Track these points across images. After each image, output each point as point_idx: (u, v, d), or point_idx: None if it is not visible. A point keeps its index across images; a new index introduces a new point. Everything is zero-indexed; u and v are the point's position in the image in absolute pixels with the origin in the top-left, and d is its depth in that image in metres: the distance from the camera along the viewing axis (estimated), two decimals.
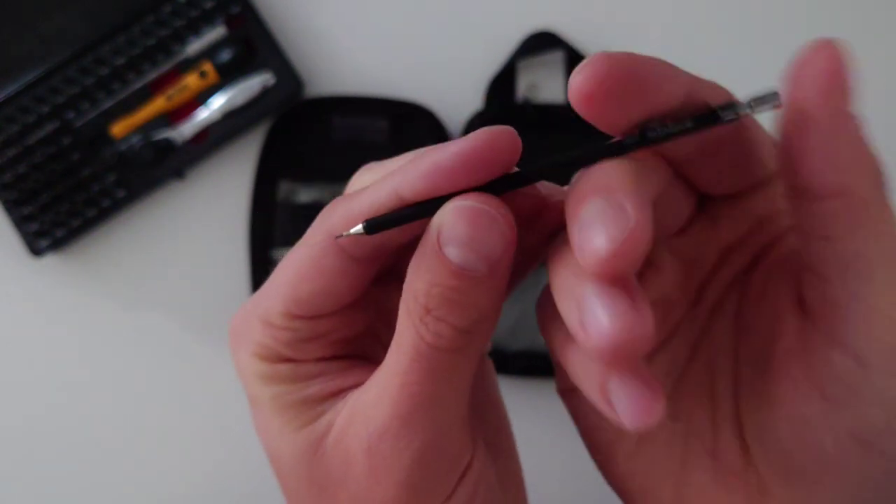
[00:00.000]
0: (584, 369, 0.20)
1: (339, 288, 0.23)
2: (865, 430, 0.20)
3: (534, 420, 0.59)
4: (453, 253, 0.20)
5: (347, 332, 0.24)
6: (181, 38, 0.57)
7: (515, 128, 0.62)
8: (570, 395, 0.26)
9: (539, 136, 0.58)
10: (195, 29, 0.57)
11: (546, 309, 0.23)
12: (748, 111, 0.20)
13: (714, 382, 0.23)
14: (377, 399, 0.22)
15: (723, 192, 0.23)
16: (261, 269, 0.57)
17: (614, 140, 0.21)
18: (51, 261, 0.59)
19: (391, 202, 0.21)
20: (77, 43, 0.57)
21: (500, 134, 0.20)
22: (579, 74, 0.19)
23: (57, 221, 0.57)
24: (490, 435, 0.26)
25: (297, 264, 0.23)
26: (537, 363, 0.57)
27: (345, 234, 0.21)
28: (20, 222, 0.57)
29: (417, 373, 0.21)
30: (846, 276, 0.19)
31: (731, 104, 0.20)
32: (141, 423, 0.59)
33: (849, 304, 0.19)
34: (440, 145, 0.21)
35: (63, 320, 0.59)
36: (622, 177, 0.19)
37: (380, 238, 0.21)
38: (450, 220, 0.20)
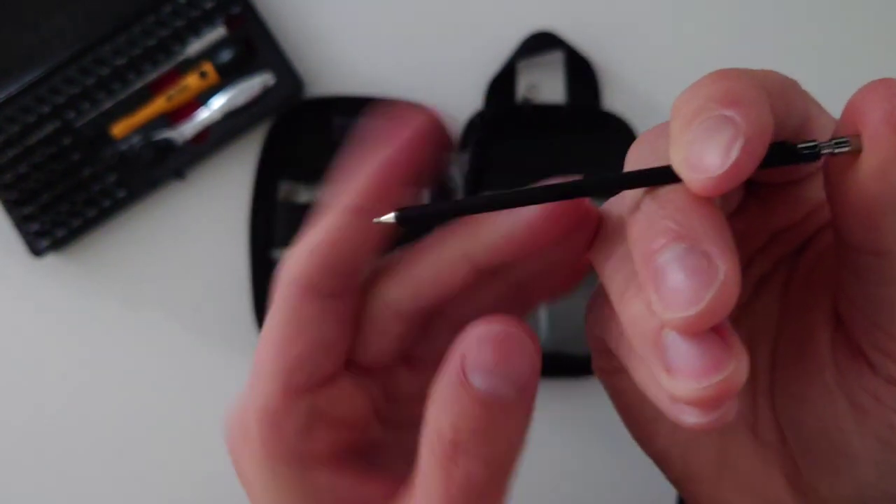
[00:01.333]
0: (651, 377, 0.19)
1: (328, 337, 0.21)
2: (891, 434, 0.20)
3: (534, 419, 0.59)
4: (480, 381, 0.18)
5: (351, 409, 0.22)
6: (181, 38, 0.58)
7: (515, 128, 0.62)
8: (610, 375, 0.25)
9: (539, 136, 0.58)
10: (195, 29, 0.58)
11: (599, 310, 0.23)
12: (829, 152, 0.18)
13: (754, 354, 0.23)
14: None
15: (778, 181, 0.22)
16: (261, 269, 0.57)
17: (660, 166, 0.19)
18: (51, 261, 0.59)
19: (350, 218, 0.21)
20: (77, 43, 0.57)
21: (425, 121, 0.20)
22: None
23: (57, 221, 0.57)
24: None
25: (277, 331, 0.21)
26: None
27: (378, 219, 0.20)
28: (21, 222, 0.57)
29: None
30: (876, 308, 0.19)
31: (813, 144, 0.19)
32: (142, 422, 0.59)
33: (877, 329, 0.19)
34: (371, 149, 0.20)
35: (64, 320, 0.59)
36: (706, 216, 0.17)
37: (342, 263, 0.20)
38: (474, 346, 0.18)
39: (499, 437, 0.19)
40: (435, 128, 0.20)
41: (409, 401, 0.22)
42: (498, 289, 0.23)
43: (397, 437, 0.22)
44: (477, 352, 0.18)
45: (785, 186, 0.22)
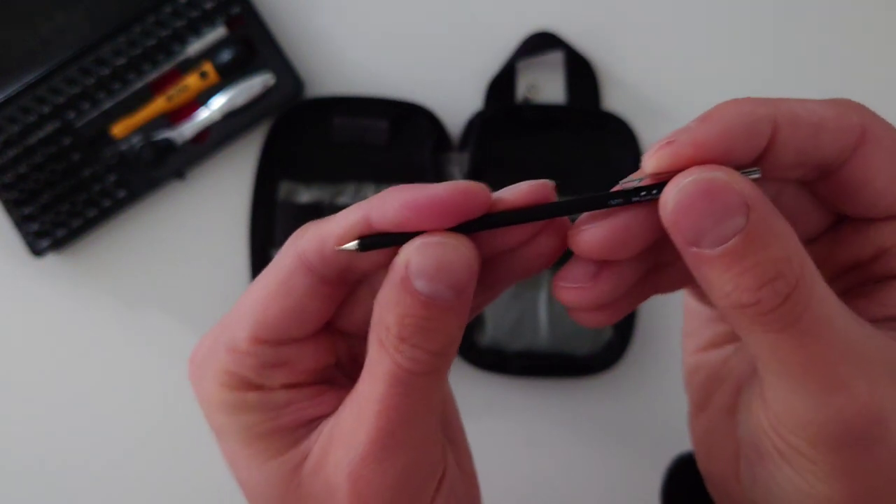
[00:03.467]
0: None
1: (307, 310, 0.23)
2: None
3: (533, 418, 0.60)
4: (422, 285, 0.21)
5: (314, 362, 0.24)
6: (182, 38, 0.58)
7: (515, 128, 0.63)
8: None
9: (538, 135, 0.58)
10: (195, 29, 0.58)
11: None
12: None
13: None
14: (355, 426, 0.22)
15: (850, 213, 0.23)
16: (261, 268, 0.57)
17: (596, 195, 0.22)
18: (51, 261, 0.59)
19: (360, 227, 0.22)
20: (78, 43, 0.57)
21: (474, 189, 0.22)
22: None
23: (57, 221, 0.57)
24: (449, 433, 0.27)
25: (266, 286, 0.23)
26: (537, 363, 0.57)
27: (339, 248, 0.22)
28: (21, 222, 0.57)
29: (394, 397, 0.22)
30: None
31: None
32: (142, 421, 0.59)
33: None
34: (416, 185, 0.22)
35: (64, 320, 0.60)
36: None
37: (346, 260, 0.22)
38: (417, 254, 0.21)
39: (440, 332, 0.21)
40: (474, 205, 0.22)
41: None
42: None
43: (351, 369, 0.25)
44: (419, 258, 0.21)
45: (860, 224, 0.23)
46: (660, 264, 0.24)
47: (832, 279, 0.24)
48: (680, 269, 0.23)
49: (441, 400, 0.23)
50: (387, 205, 0.22)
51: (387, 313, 0.21)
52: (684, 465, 0.33)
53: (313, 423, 0.24)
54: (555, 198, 0.23)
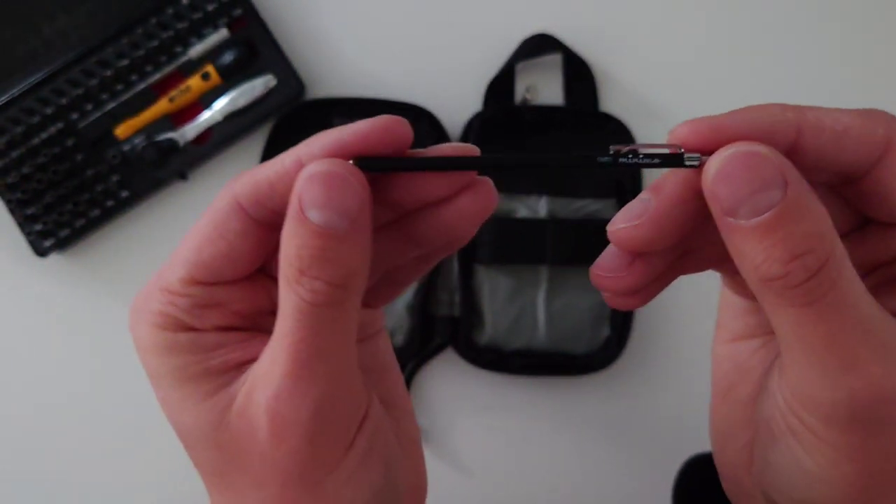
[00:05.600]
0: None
1: (240, 252, 0.24)
2: None
3: (532, 417, 0.60)
4: (315, 215, 0.21)
5: (247, 305, 0.25)
6: (184, 40, 0.58)
7: (514, 129, 0.64)
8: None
9: (536, 137, 0.58)
10: (198, 32, 0.58)
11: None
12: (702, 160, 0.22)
13: None
14: (270, 364, 0.23)
15: (874, 217, 0.24)
16: None
17: (584, 155, 0.23)
18: (55, 261, 0.59)
19: (294, 168, 0.23)
20: (81, 45, 0.58)
21: (395, 122, 0.23)
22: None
23: (61, 222, 0.58)
24: (385, 394, 0.27)
25: (201, 229, 0.24)
26: (535, 361, 0.57)
27: (351, 161, 0.22)
28: (25, 222, 0.57)
29: (301, 331, 0.22)
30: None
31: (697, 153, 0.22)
32: (145, 420, 0.59)
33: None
34: (342, 126, 0.23)
35: (67, 320, 0.60)
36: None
37: (280, 202, 0.23)
38: (307, 186, 0.22)
39: (338, 261, 0.22)
40: (391, 129, 0.23)
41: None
42: (394, 242, 0.25)
43: None
44: (309, 190, 0.21)
45: (885, 227, 0.24)
46: (689, 249, 0.25)
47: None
48: (707, 253, 0.25)
49: (353, 337, 0.23)
50: (313, 147, 0.23)
51: (287, 247, 0.22)
52: (696, 466, 0.34)
53: (242, 366, 0.24)
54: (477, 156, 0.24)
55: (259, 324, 0.25)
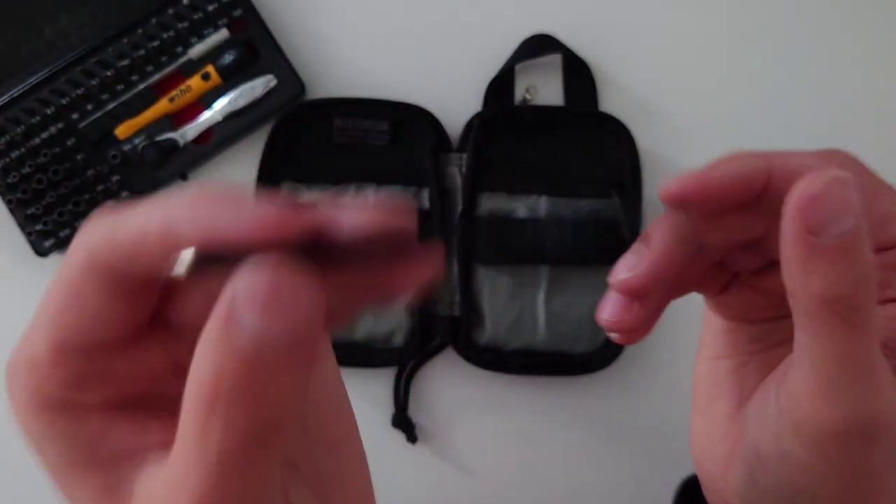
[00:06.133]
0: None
1: (110, 312, 0.19)
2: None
3: (531, 416, 0.60)
4: (248, 321, 0.16)
5: (137, 373, 0.20)
6: (184, 41, 0.58)
7: (513, 129, 0.64)
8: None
9: (537, 137, 0.58)
10: (198, 32, 0.58)
11: None
12: None
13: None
14: (171, 495, 0.18)
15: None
16: None
17: None
18: (56, 261, 0.59)
19: (161, 237, 0.18)
20: (81, 45, 0.58)
21: (286, 214, 0.17)
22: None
23: (61, 222, 0.58)
24: (331, 442, 0.23)
25: (60, 289, 0.19)
26: (535, 361, 0.57)
27: (176, 270, 0.17)
28: (25, 222, 0.58)
29: (209, 488, 0.17)
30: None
31: None
32: None
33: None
34: (222, 196, 0.18)
35: None
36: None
37: (144, 269, 0.18)
38: (245, 290, 0.16)
39: (267, 395, 0.16)
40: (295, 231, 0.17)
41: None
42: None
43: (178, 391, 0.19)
44: (250, 286, 0.16)
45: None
46: (675, 280, 0.27)
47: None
48: (690, 279, 0.27)
49: (278, 483, 0.19)
50: (193, 217, 0.17)
51: (201, 364, 0.16)
52: (691, 488, 0.36)
53: (136, 457, 0.20)
54: (413, 226, 0.18)
55: (158, 391, 0.20)
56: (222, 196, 0.17)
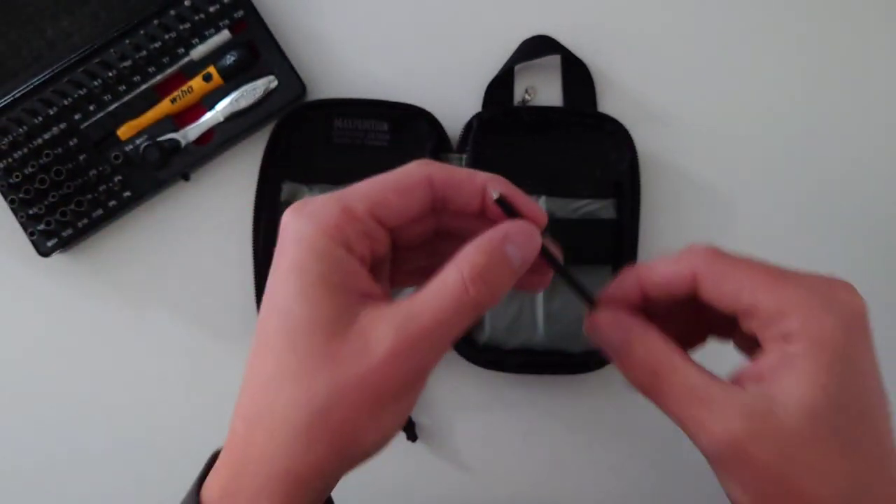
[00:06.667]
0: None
1: (409, 210, 0.31)
2: None
3: (530, 415, 0.60)
4: (511, 251, 0.30)
5: (381, 249, 0.32)
6: (186, 42, 0.58)
7: (513, 130, 0.64)
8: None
9: (535, 137, 0.59)
10: (199, 33, 0.58)
11: None
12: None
13: None
14: (409, 316, 0.29)
15: (720, 312, 0.34)
16: (265, 268, 0.58)
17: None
18: (57, 261, 0.60)
19: (478, 189, 0.32)
20: (84, 46, 0.58)
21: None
22: None
23: (64, 222, 0.58)
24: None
25: (391, 182, 0.31)
26: (534, 360, 0.58)
27: (493, 196, 0.32)
28: (27, 223, 0.58)
29: (450, 311, 0.29)
30: None
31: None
32: (148, 420, 0.60)
33: None
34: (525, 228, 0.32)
35: (70, 320, 0.60)
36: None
37: (452, 198, 0.32)
38: (516, 231, 0.31)
39: (503, 285, 0.30)
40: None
41: (408, 268, 0.35)
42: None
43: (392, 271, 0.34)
44: (516, 234, 0.30)
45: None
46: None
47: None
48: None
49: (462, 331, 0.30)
50: (500, 185, 0.32)
51: (478, 256, 0.30)
52: None
53: (364, 298, 0.29)
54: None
55: (375, 269, 0.32)
56: (509, 186, 0.33)
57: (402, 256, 0.34)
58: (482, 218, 0.33)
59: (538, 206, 0.32)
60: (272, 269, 0.30)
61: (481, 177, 0.32)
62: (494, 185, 0.32)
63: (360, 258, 0.30)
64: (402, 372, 0.28)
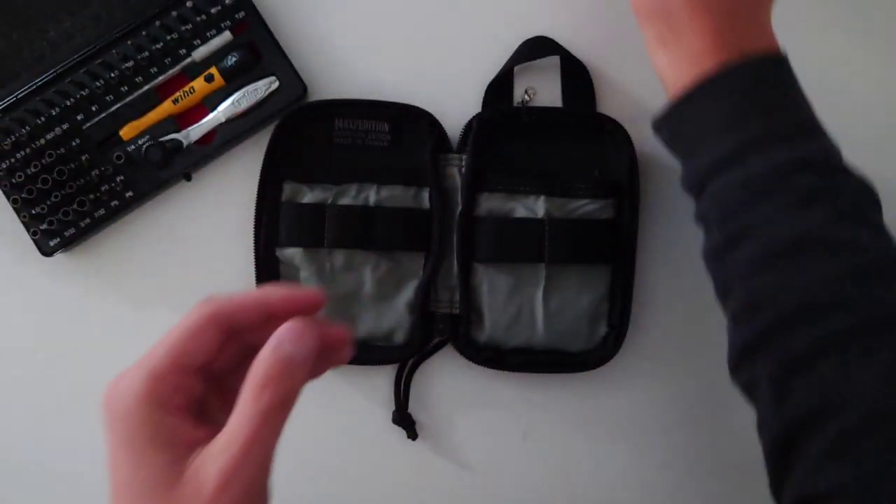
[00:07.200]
0: None
1: (206, 349, 0.34)
2: None
3: (529, 413, 0.61)
4: (288, 350, 0.32)
5: (194, 392, 0.34)
6: (188, 43, 0.59)
7: (512, 130, 0.66)
8: None
9: (535, 138, 0.59)
10: (201, 35, 0.59)
11: None
12: None
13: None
14: (225, 444, 0.31)
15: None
16: (266, 267, 0.58)
17: None
18: (60, 260, 0.60)
19: (257, 305, 0.35)
20: (86, 47, 0.58)
21: (315, 297, 0.36)
22: None
23: (66, 222, 0.58)
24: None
25: (183, 329, 0.34)
26: (533, 358, 0.58)
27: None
28: (30, 223, 0.58)
29: (254, 426, 0.31)
30: None
31: None
32: None
33: None
34: (279, 290, 0.35)
35: (72, 319, 0.61)
36: None
37: (240, 322, 0.34)
38: (285, 332, 0.33)
39: (289, 379, 0.32)
40: (311, 302, 0.35)
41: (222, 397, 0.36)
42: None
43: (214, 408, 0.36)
44: (288, 332, 0.32)
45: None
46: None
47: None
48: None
49: (280, 434, 0.32)
50: (279, 295, 0.35)
51: (257, 367, 0.32)
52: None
53: (193, 445, 0.32)
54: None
55: (199, 410, 0.34)
56: (285, 290, 0.35)
57: (228, 381, 0.36)
58: (278, 323, 0.35)
59: (311, 292, 0.35)
60: (107, 445, 0.33)
61: (256, 293, 0.35)
62: (265, 291, 0.35)
63: (178, 411, 0.33)
64: (236, 497, 0.31)
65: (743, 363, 0.44)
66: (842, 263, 0.42)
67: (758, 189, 0.44)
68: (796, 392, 0.41)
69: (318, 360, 0.36)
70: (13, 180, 0.57)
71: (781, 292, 0.42)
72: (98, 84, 0.58)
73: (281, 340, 0.32)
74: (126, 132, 0.59)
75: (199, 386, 0.34)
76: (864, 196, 0.45)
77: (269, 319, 0.35)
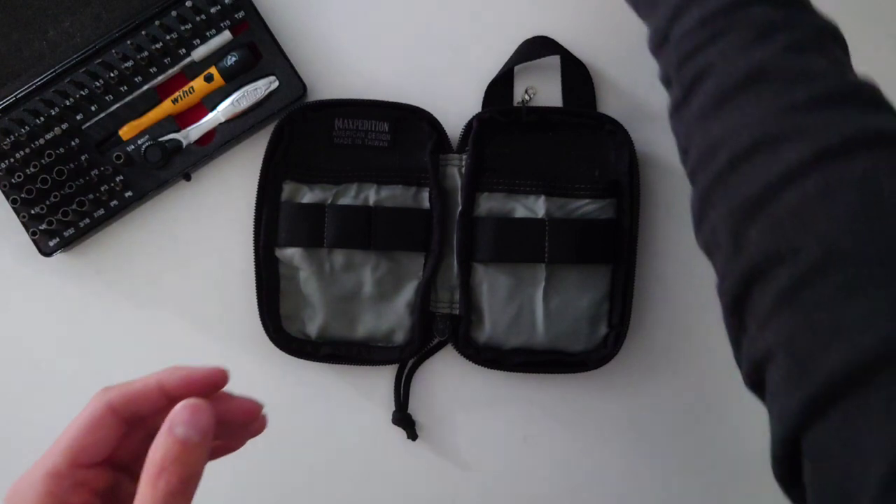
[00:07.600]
0: None
1: (106, 440, 0.33)
2: None
3: (530, 414, 0.61)
4: (182, 431, 0.31)
5: (99, 484, 0.33)
6: (187, 43, 0.59)
7: (512, 130, 0.65)
8: None
9: (535, 137, 0.59)
10: (201, 34, 0.59)
11: None
12: None
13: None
14: None
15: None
16: (266, 266, 0.58)
17: None
18: (60, 260, 0.60)
19: (156, 389, 0.34)
20: (85, 47, 0.58)
21: (219, 375, 0.35)
22: None
23: (65, 222, 0.58)
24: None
25: (80, 423, 0.33)
26: (533, 359, 0.58)
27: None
28: (29, 222, 0.58)
29: None
30: None
31: None
32: None
33: None
34: (185, 368, 0.34)
35: (72, 319, 0.61)
36: None
37: (140, 409, 0.34)
38: (180, 411, 0.31)
39: (188, 460, 0.31)
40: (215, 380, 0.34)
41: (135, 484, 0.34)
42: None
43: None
44: (180, 414, 0.31)
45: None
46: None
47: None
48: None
49: None
50: (175, 377, 0.34)
51: (153, 452, 0.30)
52: None
53: None
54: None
55: (112, 498, 0.34)
56: (184, 372, 0.34)
57: (137, 467, 0.35)
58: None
59: (213, 371, 0.34)
60: None
61: (153, 379, 0.34)
62: (163, 375, 0.34)
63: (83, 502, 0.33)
64: None
65: (703, 218, 0.40)
66: (797, 93, 0.38)
67: (716, 26, 0.41)
68: (753, 239, 0.36)
69: (229, 436, 0.36)
70: (13, 180, 0.57)
71: (735, 131, 0.39)
72: (98, 84, 0.58)
73: (174, 423, 0.31)
74: (125, 132, 0.59)
75: (106, 476, 0.34)
76: (826, 31, 0.42)
77: (171, 402, 0.33)
